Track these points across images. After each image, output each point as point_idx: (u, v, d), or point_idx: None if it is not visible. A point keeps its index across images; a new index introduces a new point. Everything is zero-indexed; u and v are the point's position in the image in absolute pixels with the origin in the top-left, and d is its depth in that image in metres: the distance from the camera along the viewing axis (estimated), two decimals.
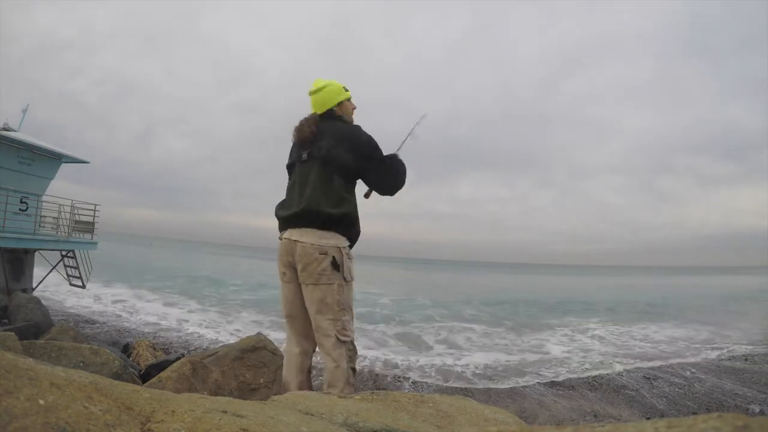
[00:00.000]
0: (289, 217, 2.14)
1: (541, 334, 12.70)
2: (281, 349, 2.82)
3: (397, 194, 2.28)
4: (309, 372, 2.22)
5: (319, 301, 2.07)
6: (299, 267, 2.09)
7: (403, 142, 2.31)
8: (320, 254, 2.05)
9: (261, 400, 1.80)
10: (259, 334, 3.04)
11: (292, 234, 2.12)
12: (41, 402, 0.82)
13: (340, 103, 2.29)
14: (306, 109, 2.39)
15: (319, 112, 2.27)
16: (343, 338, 2.07)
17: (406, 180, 2.24)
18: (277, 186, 2.57)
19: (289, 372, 2.18)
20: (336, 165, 2.11)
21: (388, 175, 2.19)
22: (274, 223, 2.33)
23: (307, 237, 2.08)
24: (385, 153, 2.21)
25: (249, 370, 2.74)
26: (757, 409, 6.13)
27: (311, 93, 2.29)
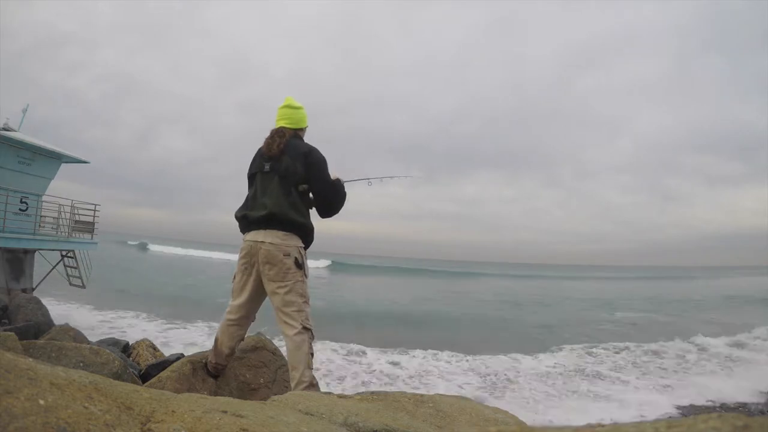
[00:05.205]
0: (256, 219, 2.40)
1: None
2: (282, 350, 2.82)
3: (334, 216, 2.56)
4: (239, 342, 2.58)
5: (285, 295, 2.36)
6: (266, 267, 2.37)
7: (357, 180, 2.75)
8: (284, 255, 2.35)
9: (261, 400, 1.80)
10: (259, 333, 3.04)
11: (257, 236, 2.39)
12: (41, 402, 0.82)
13: (303, 129, 2.61)
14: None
15: (288, 126, 2.52)
16: (307, 326, 2.37)
17: (342, 207, 2.54)
18: None
19: (224, 335, 2.50)
20: (292, 180, 2.39)
21: (329, 192, 2.48)
22: None
23: (272, 238, 2.36)
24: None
25: (249, 370, 2.73)
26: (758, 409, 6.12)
27: (286, 107, 2.56)
